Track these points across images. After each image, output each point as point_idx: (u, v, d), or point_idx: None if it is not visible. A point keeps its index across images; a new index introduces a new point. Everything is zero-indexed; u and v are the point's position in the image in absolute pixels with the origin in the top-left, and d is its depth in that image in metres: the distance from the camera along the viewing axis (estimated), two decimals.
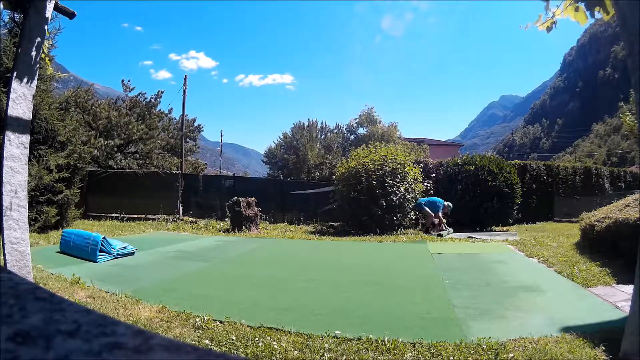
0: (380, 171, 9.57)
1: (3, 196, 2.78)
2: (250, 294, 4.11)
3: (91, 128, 15.14)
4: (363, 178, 9.47)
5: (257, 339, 2.74)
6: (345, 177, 10.09)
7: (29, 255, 2.99)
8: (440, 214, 9.69)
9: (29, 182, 4.46)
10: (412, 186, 10.00)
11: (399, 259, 6.40)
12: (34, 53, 3.00)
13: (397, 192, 9.44)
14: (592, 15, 2.89)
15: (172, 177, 13.33)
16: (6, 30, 7.84)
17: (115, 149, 15.77)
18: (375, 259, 6.38)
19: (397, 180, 9.64)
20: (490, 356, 2.50)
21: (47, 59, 4.03)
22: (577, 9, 2.95)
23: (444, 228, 9.55)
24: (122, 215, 11.97)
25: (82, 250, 5.77)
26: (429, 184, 10.92)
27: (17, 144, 2.92)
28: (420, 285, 4.48)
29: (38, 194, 8.03)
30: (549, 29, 3.20)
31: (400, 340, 2.70)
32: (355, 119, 27.69)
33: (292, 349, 2.60)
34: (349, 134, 28.23)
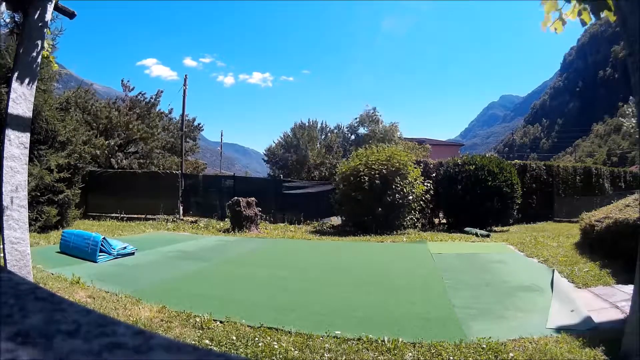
0: (385, 170, 9.58)
1: (3, 196, 2.78)
2: (250, 294, 4.11)
3: (91, 128, 15.12)
4: (366, 177, 9.46)
5: (257, 339, 2.74)
6: (347, 176, 10.07)
7: (29, 255, 2.99)
8: None
9: (29, 182, 4.46)
10: (413, 185, 10.02)
11: (399, 259, 6.40)
12: (34, 53, 3.00)
13: (401, 192, 9.47)
14: (598, 18, 2.88)
15: (172, 177, 13.32)
16: (7, 31, 7.84)
17: (116, 148, 15.77)
18: (375, 259, 6.38)
19: (401, 180, 9.67)
20: (490, 356, 2.50)
21: (51, 57, 4.03)
22: (584, 9, 2.94)
23: None
24: (122, 215, 11.97)
25: (82, 251, 5.77)
26: (429, 184, 10.91)
27: (17, 144, 2.92)
28: (420, 285, 4.48)
29: (39, 194, 8.03)
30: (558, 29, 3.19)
31: (400, 340, 2.70)
32: (356, 118, 27.84)
33: (292, 349, 2.60)
34: (349, 134, 28.31)
